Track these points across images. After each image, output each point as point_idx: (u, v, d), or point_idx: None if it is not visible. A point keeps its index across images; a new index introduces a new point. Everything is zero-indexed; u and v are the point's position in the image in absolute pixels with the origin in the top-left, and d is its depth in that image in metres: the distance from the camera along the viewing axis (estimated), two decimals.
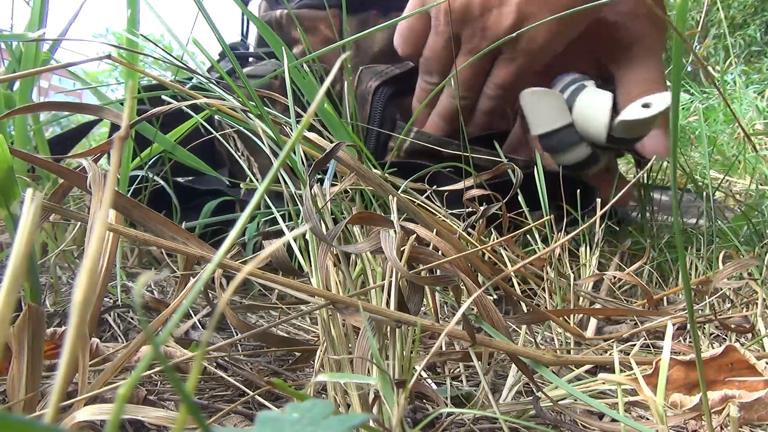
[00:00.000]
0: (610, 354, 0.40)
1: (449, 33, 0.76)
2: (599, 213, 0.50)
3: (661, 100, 0.68)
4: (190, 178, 0.86)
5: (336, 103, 0.74)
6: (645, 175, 0.92)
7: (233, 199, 0.77)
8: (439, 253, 0.38)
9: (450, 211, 0.58)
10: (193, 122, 0.66)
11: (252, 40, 1.07)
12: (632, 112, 0.69)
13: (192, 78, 0.69)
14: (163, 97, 0.61)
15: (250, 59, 0.98)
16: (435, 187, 0.60)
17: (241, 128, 0.50)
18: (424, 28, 0.79)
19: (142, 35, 0.61)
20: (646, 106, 0.68)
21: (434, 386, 0.40)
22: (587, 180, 0.78)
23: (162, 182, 0.75)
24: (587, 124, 0.72)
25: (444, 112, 0.81)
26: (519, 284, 0.59)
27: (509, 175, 0.59)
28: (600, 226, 0.66)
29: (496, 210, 0.53)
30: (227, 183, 0.79)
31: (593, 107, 0.72)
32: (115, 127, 0.86)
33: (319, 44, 0.86)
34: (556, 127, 0.74)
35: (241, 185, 0.76)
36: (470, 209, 0.57)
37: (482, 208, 0.53)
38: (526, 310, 0.45)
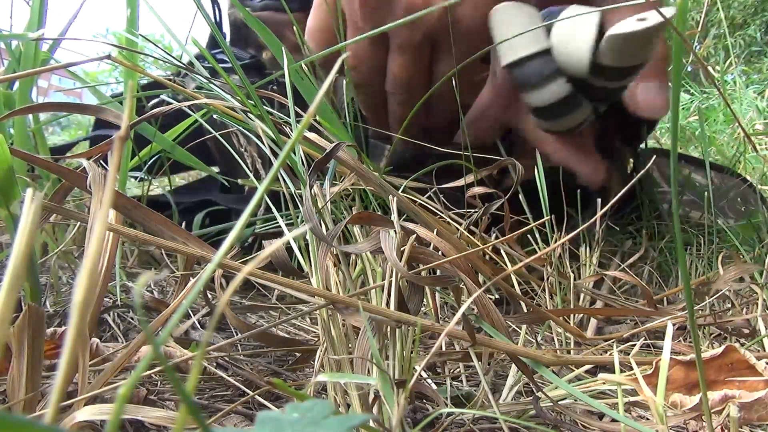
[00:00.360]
0: (610, 354, 0.40)
1: (371, 28, 0.60)
2: (599, 213, 0.50)
3: (656, 15, 0.52)
4: (180, 185, 0.86)
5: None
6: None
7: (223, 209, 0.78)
8: (440, 253, 0.38)
9: (450, 211, 0.58)
10: (192, 120, 0.66)
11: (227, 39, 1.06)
12: (625, 25, 0.53)
13: (183, 73, 0.68)
14: (163, 97, 0.61)
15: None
16: (436, 187, 0.59)
17: (241, 128, 0.50)
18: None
19: (141, 35, 0.61)
20: (641, 20, 0.53)
21: (434, 386, 0.40)
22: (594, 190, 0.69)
23: (159, 184, 0.75)
24: (567, 48, 0.57)
25: (399, 121, 0.68)
26: (519, 284, 0.59)
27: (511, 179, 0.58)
28: (600, 226, 0.66)
29: (498, 210, 0.53)
30: (224, 182, 0.80)
31: (576, 25, 0.57)
32: (98, 126, 0.86)
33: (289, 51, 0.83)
34: (529, 53, 0.59)
35: (240, 181, 0.76)
36: (471, 208, 0.57)
37: (484, 205, 0.52)
38: (526, 310, 0.45)
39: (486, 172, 0.58)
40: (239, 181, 0.75)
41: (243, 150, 0.67)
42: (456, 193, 0.62)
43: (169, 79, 0.55)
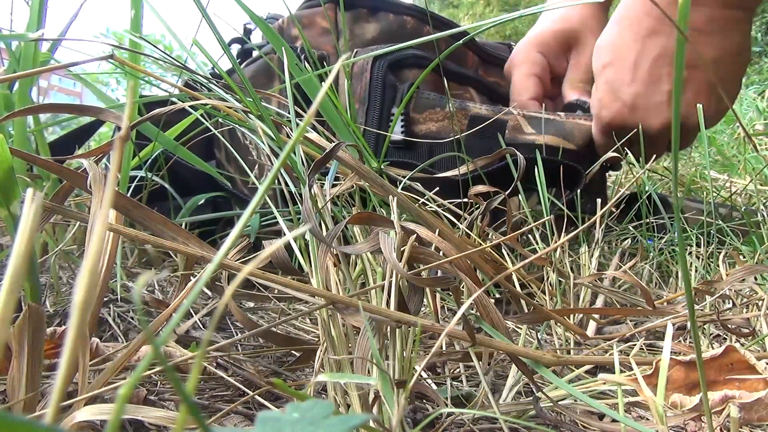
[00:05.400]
0: (610, 354, 0.40)
1: None
2: (599, 213, 0.50)
3: None
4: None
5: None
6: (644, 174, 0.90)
7: (224, 196, 0.78)
8: (440, 253, 0.38)
9: (444, 201, 0.57)
10: (192, 119, 0.66)
11: (258, 38, 1.09)
12: None
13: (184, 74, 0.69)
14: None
15: (254, 53, 1.00)
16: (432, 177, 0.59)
17: (242, 128, 0.50)
18: None
19: (141, 36, 0.61)
20: None
21: (434, 386, 0.40)
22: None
23: (160, 181, 0.75)
24: None
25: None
26: (520, 279, 0.59)
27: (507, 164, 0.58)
28: (600, 226, 0.66)
29: (498, 206, 0.53)
30: (228, 185, 0.80)
31: None
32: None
33: (317, 35, 0.90)
34: None
35: (239, 178, 0.76)
36: (470, 205, 0.57)
37: (485, 202, 0.52)
38: (526, 310, 0.45)
39: (482, 162, 0.58)
40: (237, 179, 0.76)
41: (248, 143, 0.67)
42: (453, 178, 0.62)
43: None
